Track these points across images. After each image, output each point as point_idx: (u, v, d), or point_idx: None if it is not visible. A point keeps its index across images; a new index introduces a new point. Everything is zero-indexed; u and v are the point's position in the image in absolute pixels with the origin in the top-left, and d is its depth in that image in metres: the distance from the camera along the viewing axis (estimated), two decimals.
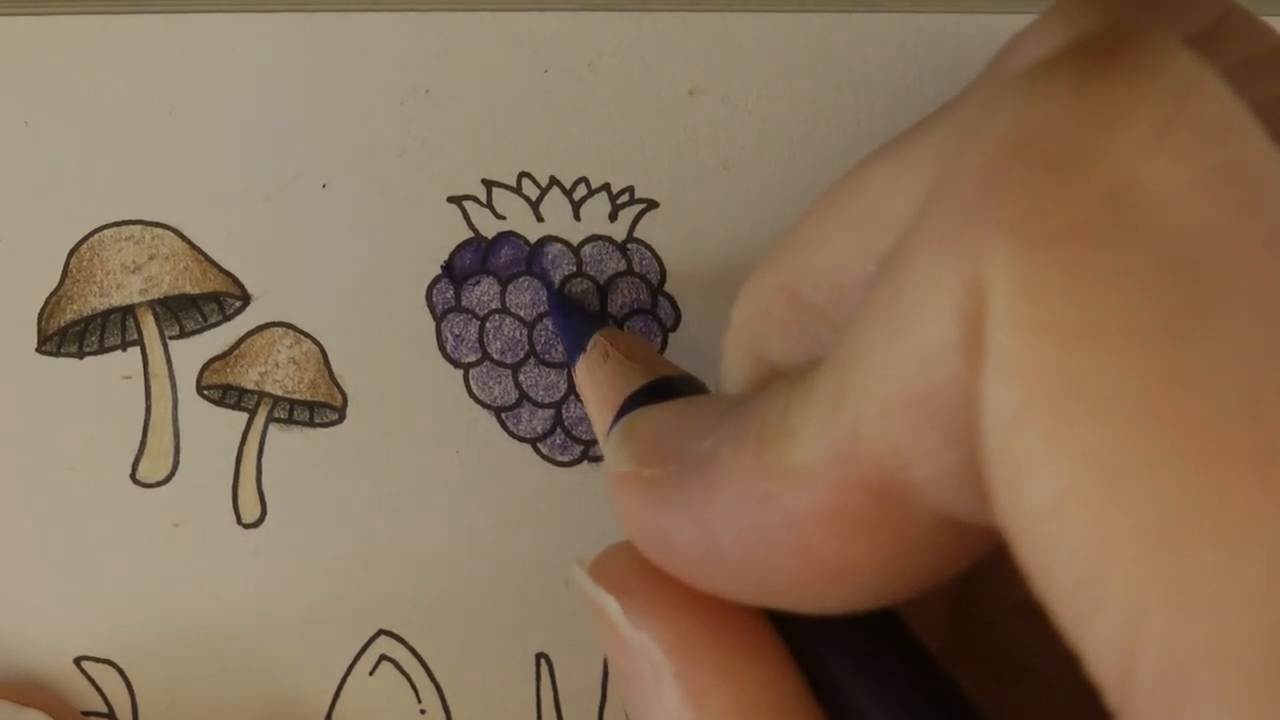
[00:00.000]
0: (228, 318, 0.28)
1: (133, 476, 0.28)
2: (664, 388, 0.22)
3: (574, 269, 0.27)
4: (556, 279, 0.27)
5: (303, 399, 0.28)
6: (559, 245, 0.27)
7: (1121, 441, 0.12)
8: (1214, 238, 0.13)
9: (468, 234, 0.27)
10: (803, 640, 0.18)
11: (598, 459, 0.28)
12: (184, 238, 0.27)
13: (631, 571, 0.18)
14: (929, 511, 0.15)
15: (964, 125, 0.16)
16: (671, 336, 0.28)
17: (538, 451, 0.28)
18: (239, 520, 0.28)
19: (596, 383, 0.23)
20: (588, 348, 0.24)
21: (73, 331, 0.27)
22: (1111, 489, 0.12)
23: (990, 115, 0.14)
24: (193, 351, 0.28)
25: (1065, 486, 0.13)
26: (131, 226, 0.27)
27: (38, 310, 0.27)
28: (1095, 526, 0.13)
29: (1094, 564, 0.13)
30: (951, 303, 0.14)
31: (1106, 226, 0.13)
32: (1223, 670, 0.12)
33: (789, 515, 0.16)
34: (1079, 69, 0.14)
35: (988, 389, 0.13)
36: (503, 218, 0.27)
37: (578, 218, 0.27)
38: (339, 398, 0.28)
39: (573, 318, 0.26)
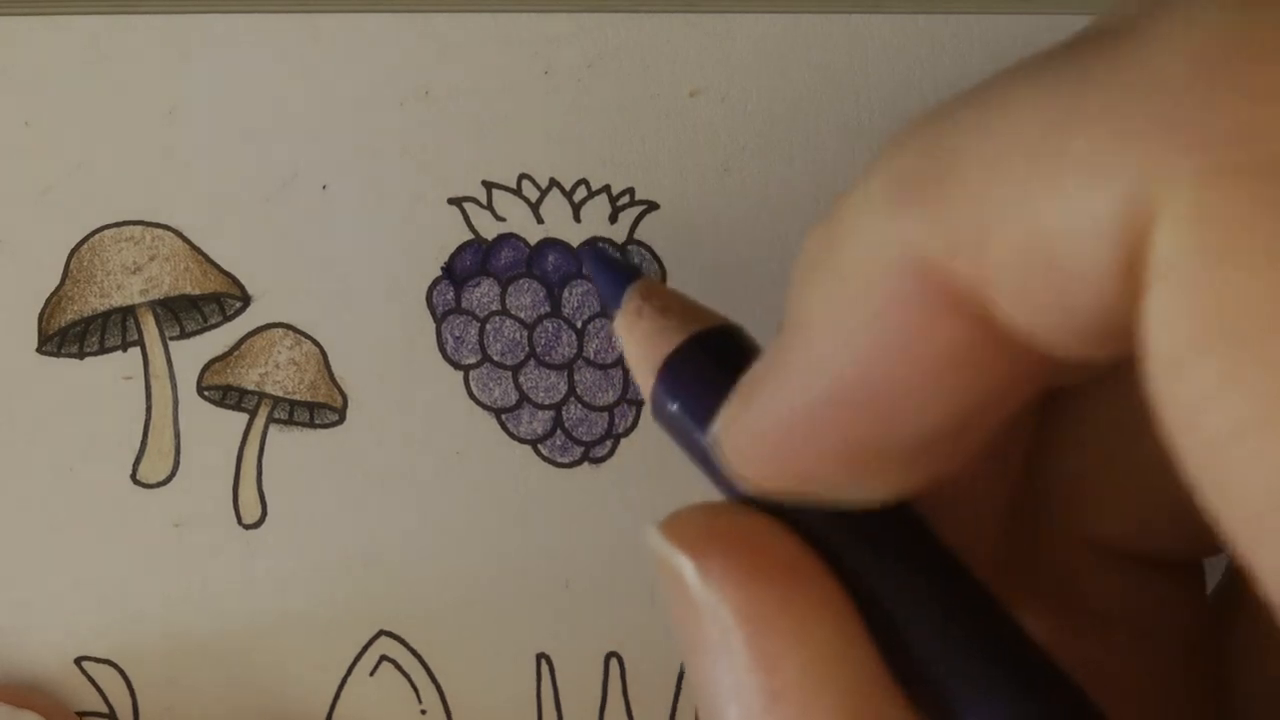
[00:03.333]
0: (228, 318, 0.28)
1: (133, 477, 0.28)
2: (704, 341, 0.22)
3: (574, 270, 0.27)
4: (555, 279, 0.27)
5: (303, 400, 0.28)
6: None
7: None
8: None
9: (468, 235, 0.27)
10: (868, 591, 0.18)
11: (598, 460, 0.28)
12: (184, 238, 0.27)
13: (706, 533, 0.18)
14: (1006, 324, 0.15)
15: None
16: None
17: (538, 453, 0.28)
18: (239, 521, 0.28)
19: (635, 341, 0.23)
20: (622, 303, 0.24)
21: (73, 332, 0.27)
22: None
23: (1187, 26, 0.14)
24: (193, 352, 0.28)
25: (1247, 417, 0.13)
26: (132, 227, 0.27)
27: (38, 311, 0.27)
28: (1277, 458, 0.12)
29: (1275, 494, 0.13)
30: (1115, 205, 0.14)
31: None
32: None
33: (874, 321, 0.16)
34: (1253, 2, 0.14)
35: (1157, 310, 0.13)
36: (503, 219, 0.27)
37: (578, 219, 0.27)
38: (339, 399, 0.28)
39: (608, 272, 0.26)
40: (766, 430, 0.18)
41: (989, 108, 0.15)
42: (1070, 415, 0.21)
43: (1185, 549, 0.21)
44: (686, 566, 0.18)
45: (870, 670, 0.18)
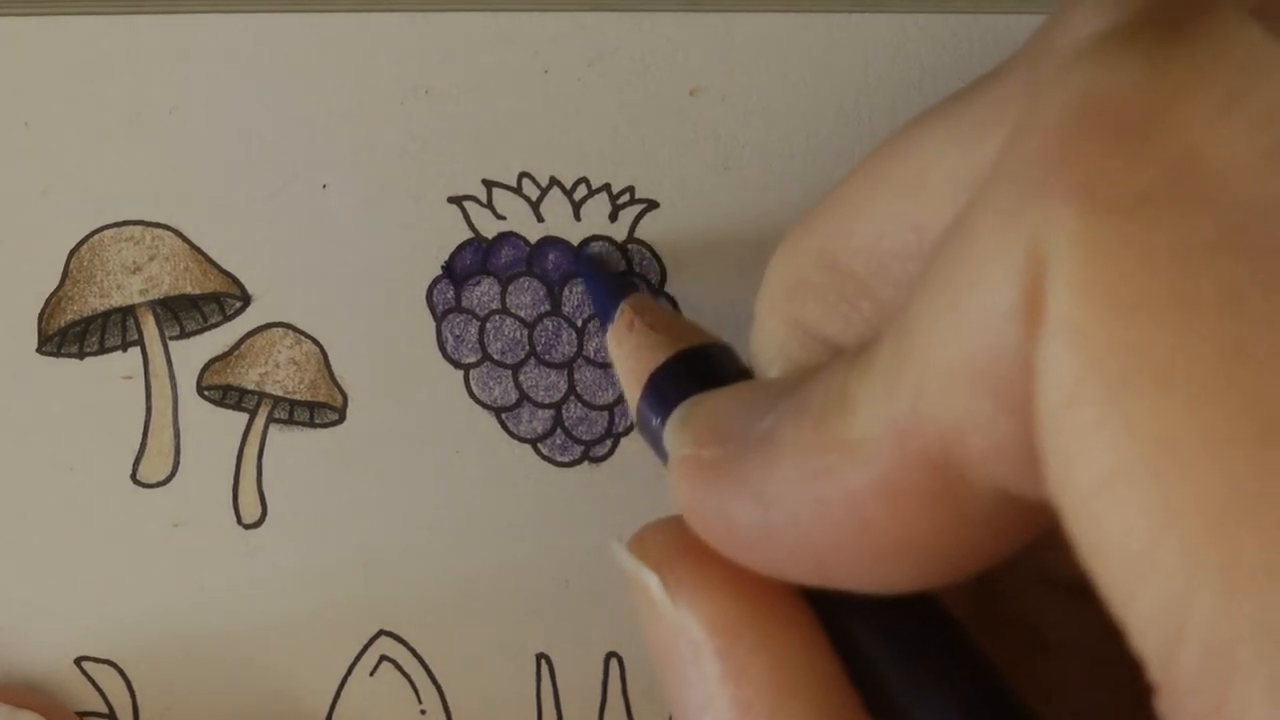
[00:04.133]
0: (228, 318, 0.28)
1: (133, 477, 0.28)
2: (689, 359, 0.22)
3: (574, 268, 0.27)
4: (555, 278, 0.27)
5: (303, 399, 0.28)
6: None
7: (1178, 417, 0.12)
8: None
9: (468, 234, 0.27)
10: (838, 619, 0.18)
11: (598, 459, 0.28)
12: (184, 238, 0.27)
13: (672, 548, 0.19)
14: (987, 486, 0.15)
15: (1016, 94, 0.16)
16: None
17: (538, 452, 0.28)
18: (239, 520, 0.28)
19: (624, 355, 0.23)
20: (614, 318, 0.24)
21: (73, 332, 0.27)
22: (1166, 465, 0.12)
23: (1057, 82, 0.14)
24: (193, 352, 0.28)
25: (1119, 461, 0.13)
26: (132, 227, 0.27)
27: (38, 311, 0.27)
28: (1148, 502, 0.12)
29: (1145, 539, 0.13)
30: (1013, 269, 0.14)
31: (1172, 197, 0.13)
32: (1271, 649, 0.12)
33: (848, 490, 0.16)
34: (1149, 39, 0.14)
35: (1044, 357, 0.13)
36: (503, 218, 0.27)
37: (578, 218, 0.27)
38: (339, 398, 0.28)
39: (602, 283, 0.26)
40: (707, 512, 0.18)
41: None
42: None
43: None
44: (653, 581, 0.18)
45: (837, 682, 0.18)
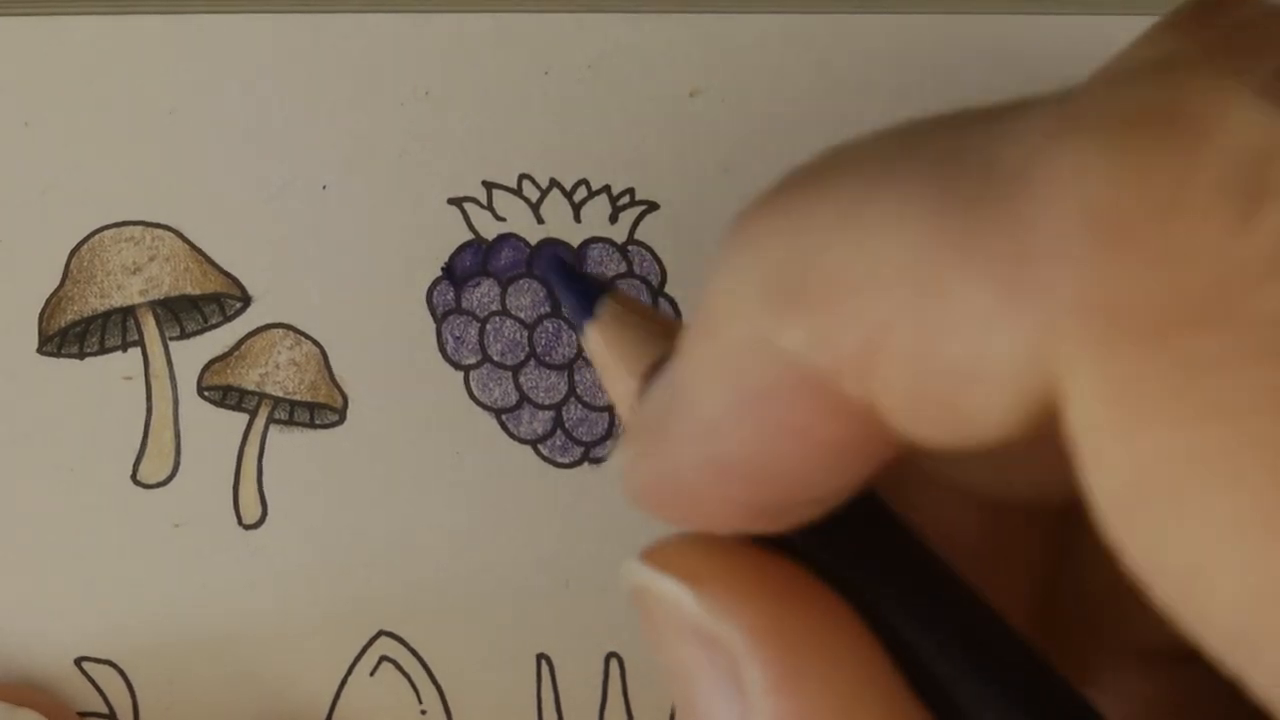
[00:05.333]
0: (228, 319, 0.28)
1: (133, 477, 0.28)
2: None
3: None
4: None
5: (303, 400, 0.28)
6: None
7: (1248, 507, 0.13)
8: None
9: (468, 236, 0.27)
10: (883, 616, 0.18)
11: (598, 460, 0.28)
12: (184, 238, 0.27)
13: (700, 556, 0.17)
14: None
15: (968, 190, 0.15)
16: None
17: (538, 453, 0.28)
18: (239, 521, 0.28)
19: (615, 345, 0.22)
20: (599, 310, 0.24)
21: (73, 332, 0.27)
22: (1248, 552, 0.13)
23: (1062, 183, 0.14)
24: (193, 352, 0.28)
25: (1201, 555, 0.13)
26: (132, 227, 0.27)
27: (38, 311, 0.27)
28: (1241, 589, 0.13)
29: (1248, 617, 0.13)
30: (1015, 356, 0.14)
31: (1193, 314, 0.13)
32: None
33: (761, 399, 0.16)
34: (1149, 141, 0.13)
35: (1091, 472, 0.13)
36: (503, 219, 0.27)
37: (578, 220, 0.27)
38: (339, 399, 0.28)
39: (575, 285, 0.25)
40: (659, 480, 0.17)
41: (855, 216, 0.15)
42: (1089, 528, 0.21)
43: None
44: (682, 593, 0.17)
45: (898, 687, 0.17)
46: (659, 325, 0.22)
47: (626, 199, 0.27)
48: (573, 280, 0.25)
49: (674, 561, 0.18)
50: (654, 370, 0.21)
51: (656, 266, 0.27)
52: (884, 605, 0.18)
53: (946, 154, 0.15)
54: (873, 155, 0.16)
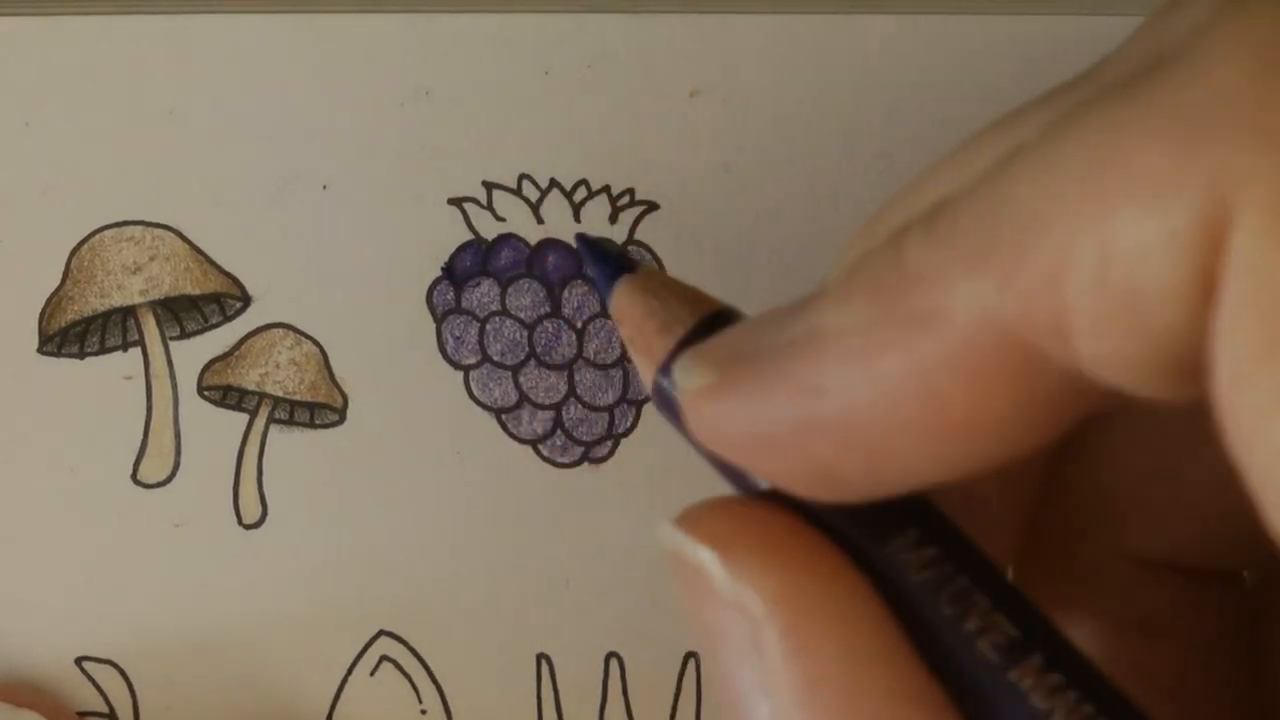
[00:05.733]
0: (228, 318, 0.28)
1: (133, 477, 0.28)
2: (719, 322, 0.21)
3: (574, 270, 0.27)
4: (555, 280, 0.27)
5: (303, 400, 0.28)
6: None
7: None
8: None
9: (468, 236, 0.27)
10: (893, 585, 0.18)
11: (598, 460, 0.28)
12: (184, 238, 0.27)
13: (727, 525, 0.18)
14: (1072, 369, 0.15)
15: (1127, 73, 0.15)
16: None
17: (538, 453, 0.28)
18: (239, 521, 0.28)
19: (642, 316, 0.22)
20: (627, 280, 0.23)
21: (73, 332, 0.27)
22: None
23: (1229, 22, 0.14)
24: (194, 352, 0.28)
25: None
26: (132, 227, 0.27)
27: (38, 311, 0.27)
28: None
29: None
30: (1190, 206, 0.13)
31: None
32: None
33: (918, 362, 0.15)
34: None
35: (1230, 315, 0.13)
36: (503, 219, 0.27)
37: (578, 220, 0.27)
38: (339, 399, 0.28)
39: (605, 263, 0.25)
40: (748, 424, 0.17)
41: (1039, 139, 0.15)
42: (1104, 431, 0.21)
43: (1229, 562, 0.21)
44: (709, 558, 0.18)
45: (904, 650, 0.17)
46: (687, 299, 0.22)
47: (626, 199, 0.27)
48: (602, 259, 0.24)
49: (703, 527, 0.18)
50: (680, 347, 0.21)
51: (656, 266, 0.27)
52: (900, 578, 0.18)
53: (1115, 61, 0.15)
54: (1037, 101, 0.16)
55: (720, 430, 0.18)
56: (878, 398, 0.16)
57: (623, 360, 0.28)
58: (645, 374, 0.21)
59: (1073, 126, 0.15)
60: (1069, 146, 0.14)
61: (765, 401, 0.17)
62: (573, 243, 0.27)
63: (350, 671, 0.28)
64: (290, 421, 0.28)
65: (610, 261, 0.23)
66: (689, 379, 0.18)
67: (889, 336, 0.15)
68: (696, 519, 0.18)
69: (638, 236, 0.27)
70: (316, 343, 0.28)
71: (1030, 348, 0.15)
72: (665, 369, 0.20)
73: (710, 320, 0.21)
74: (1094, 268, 0.14)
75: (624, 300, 0.22)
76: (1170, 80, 0.14)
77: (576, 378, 0.28)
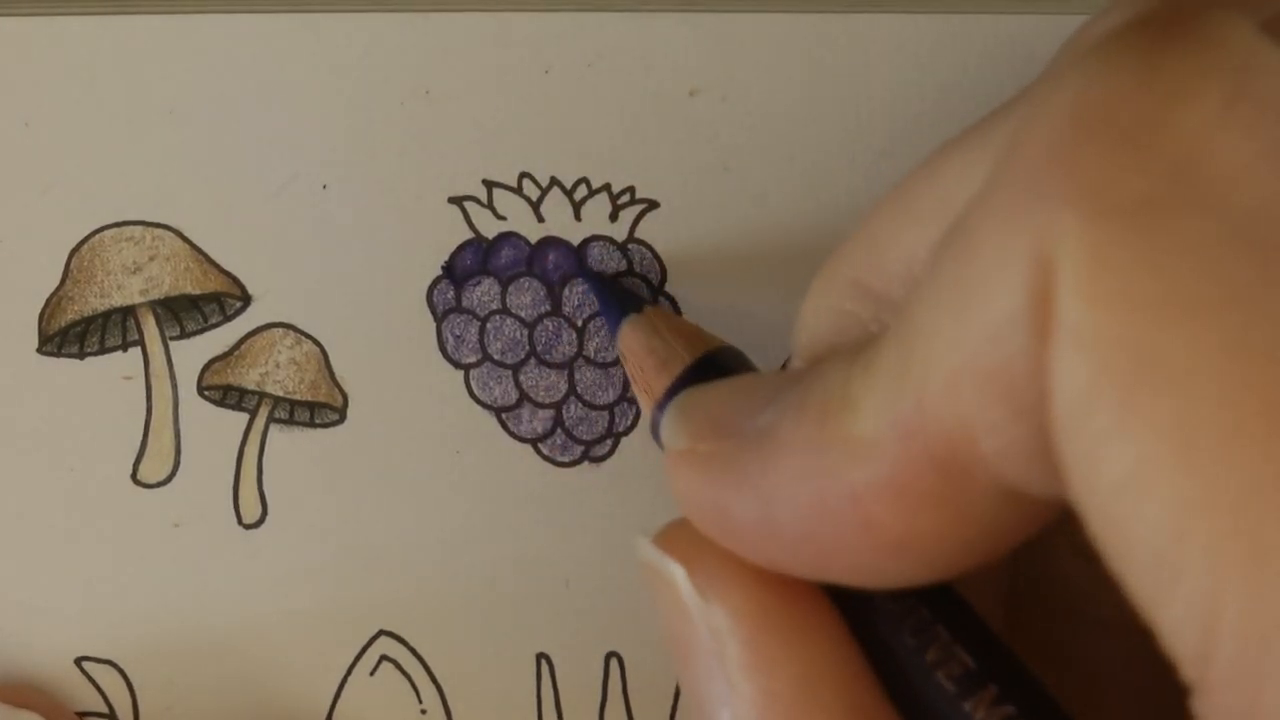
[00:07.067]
0: (228, 318, 0.28)
1: (133, 477, 0.28)
2: (713, 363, 0.22)
3: (574, 269, 0.27)
4: (556, 278, 0.27)
5: (303, 399, 0.28)
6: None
7: (1193, 413, 0.12)
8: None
9: (468, 234, 0.27)
10: (858, 612, 0.18)
11: (598, 459, 0.28)
12: (184, 238, 0.27)
13: (699, 543, 0.19)
14: (993, 484, 0.15)
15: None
16: None
17: (538, 452, 0.28)
18: (239, 520, 0.28)
19: (643, 354, 0.23)
20: (632, 320, 0.24)
21: (73, 332, 0.27)
22: (1184, 463, 0.13)
23: (1056, 89, 0.14)
24: (193, 352, 0.28)
25: (1140, 459, 0.13)
26: (132, 227, 0.27)
27: (38, 311, 0.27)
28: (1169, 500, 0.13)
29: (1171, 536, 0.13)
30: (1020, 276, 0.14)
31: (1174, 199, 0.13)
32: None
33: (850, 487, 0.16)
34: (1145, 42, 0.14)
35: (1058, 362, 0.14)
36: (503, 218, 0.27)
37: (578, 218, 0.27)
38: (339, 398, 0.28)
39: (612, 290, 0.26)
40: (704, 502, 0.18)
41: (930, 260, 0.16)
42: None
43: None
44: (678, 572, 0.19)
45: (861, 673, 0.18)
46: (686, 341, 0.23)
47: (627, 197, 0.27)
48: (610, 295, 0.25)
49: (676, 544, 0.19)
50: (675, 388, 0.22)
51: (657, 265, 0.27)
52: (865, 606, 0.18)
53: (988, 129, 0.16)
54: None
55: (688, 497, 0.19)
56: (818, 516, 0.17)
57: None
58: (645, 410, 0.22)
59: (949, 237, 0.15)
60: (945, 261, 0.15)
61: (723, 493, 0.18)
62: (574, 241, 0.27)
63: (350, 671, 0.28)
64: (290, 421, 0.28)
65: (618, 301, 0.24)
66: (669, 437, 0.20)
67: (827, 463, 0.16)
68: (671, 536, 0.19)
69: (638, 234, 0.27)
70: (316, 342, 0.28)
71: (953, 467, 0.15)
72: (661, 406, 0.21)
73: (708, 360, 0.22)
74: (974, 366, 0.15)
75: (628, 339, 0.23)
76: (1007, 160, 0.15)
77: (577, 376, 0.28)
